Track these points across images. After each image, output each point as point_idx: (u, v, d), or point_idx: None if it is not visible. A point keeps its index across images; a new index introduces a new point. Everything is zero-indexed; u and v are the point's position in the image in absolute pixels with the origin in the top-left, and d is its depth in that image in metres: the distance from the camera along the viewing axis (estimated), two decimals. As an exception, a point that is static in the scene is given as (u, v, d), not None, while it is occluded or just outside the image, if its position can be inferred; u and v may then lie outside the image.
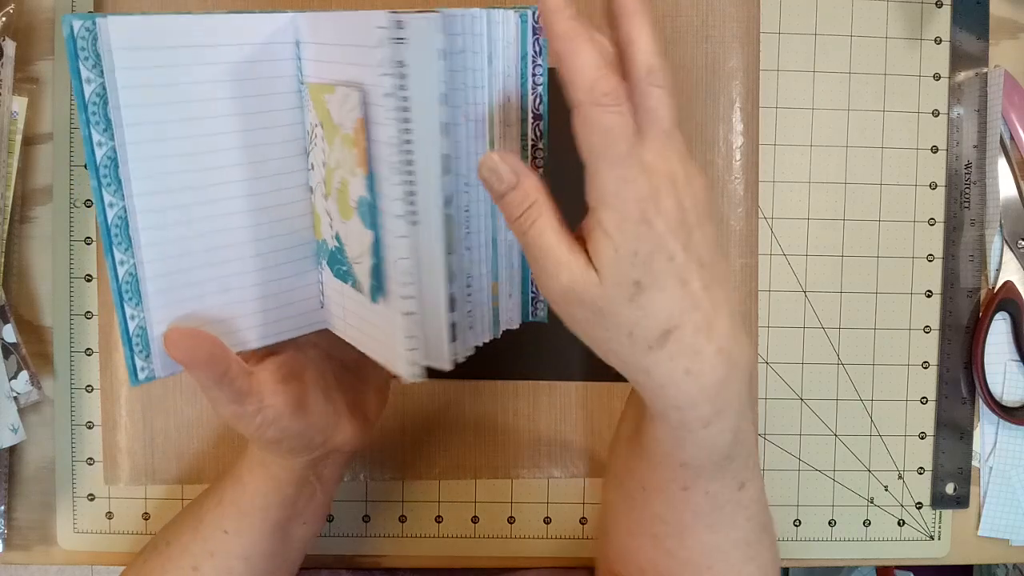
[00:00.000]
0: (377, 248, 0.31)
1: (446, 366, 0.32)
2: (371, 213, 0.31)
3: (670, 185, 0.29)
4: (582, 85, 0.28)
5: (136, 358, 0.32)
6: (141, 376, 0.32)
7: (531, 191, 0.29)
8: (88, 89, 0.29)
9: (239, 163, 0.33)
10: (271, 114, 0.33)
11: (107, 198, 0.30)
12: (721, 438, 0.31)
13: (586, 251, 0.29)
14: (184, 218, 0.32)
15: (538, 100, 0.34)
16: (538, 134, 0.35)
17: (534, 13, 0.33)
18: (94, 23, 0.29)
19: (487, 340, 0.35)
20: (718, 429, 0.31)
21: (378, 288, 0.32)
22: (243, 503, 0.40)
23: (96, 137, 0.30)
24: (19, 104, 0.50)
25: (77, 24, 0.29)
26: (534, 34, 0.33)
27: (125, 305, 0.31)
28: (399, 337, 0.31)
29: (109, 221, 0.30)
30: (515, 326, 0.37)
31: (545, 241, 0.29)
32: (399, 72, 0.28)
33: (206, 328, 0.33)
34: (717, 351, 0.29)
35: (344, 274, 0.34)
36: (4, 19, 0.50)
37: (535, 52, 0.34)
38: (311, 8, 0.50)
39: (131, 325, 0.31)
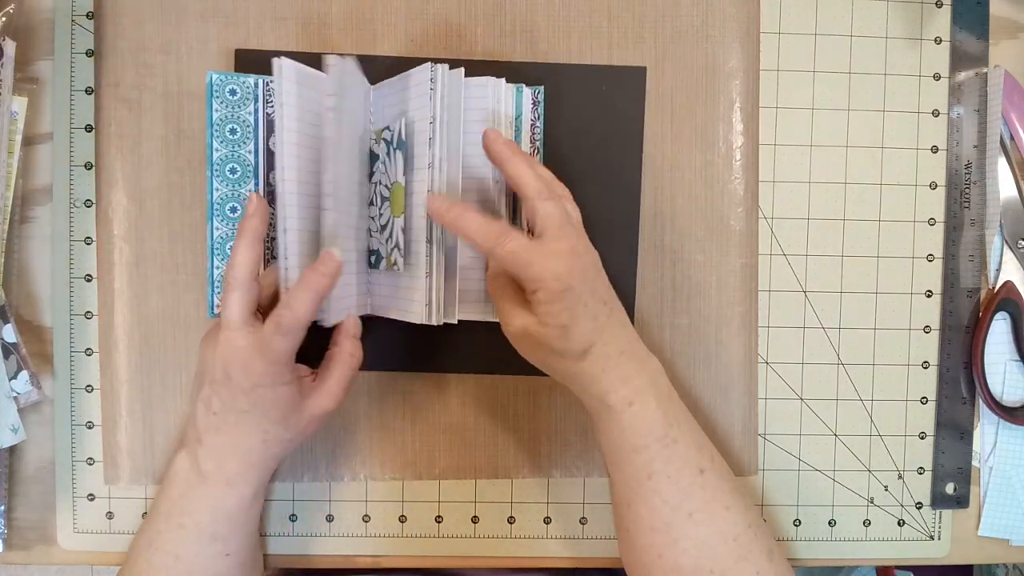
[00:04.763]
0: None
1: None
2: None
3: (575, 258, 0.41)
4: (530, 187, 0.42)
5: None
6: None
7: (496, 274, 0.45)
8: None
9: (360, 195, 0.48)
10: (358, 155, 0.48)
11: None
12: (650, 415, 0.42)
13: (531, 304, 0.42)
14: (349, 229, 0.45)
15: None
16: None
17: (535, 91, 0.50)
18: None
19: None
20: (642, 407, 0.42)
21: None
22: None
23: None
24: (19, 104, 0.50)
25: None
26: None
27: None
28: (420, 291, 0.46)
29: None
30: None
31: (502, 305, 0.43)
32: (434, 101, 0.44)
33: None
34: (619, 352, 0.42)
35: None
36: (4, 19, 0.50)
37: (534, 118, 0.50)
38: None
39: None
